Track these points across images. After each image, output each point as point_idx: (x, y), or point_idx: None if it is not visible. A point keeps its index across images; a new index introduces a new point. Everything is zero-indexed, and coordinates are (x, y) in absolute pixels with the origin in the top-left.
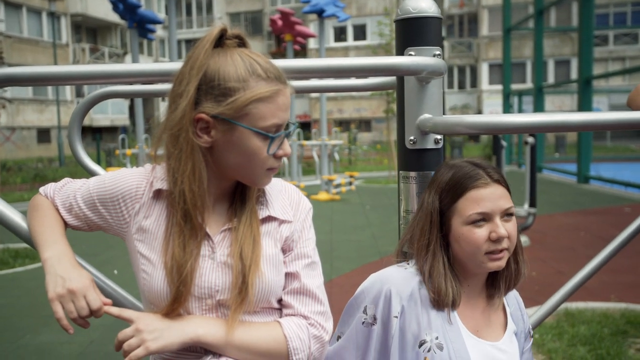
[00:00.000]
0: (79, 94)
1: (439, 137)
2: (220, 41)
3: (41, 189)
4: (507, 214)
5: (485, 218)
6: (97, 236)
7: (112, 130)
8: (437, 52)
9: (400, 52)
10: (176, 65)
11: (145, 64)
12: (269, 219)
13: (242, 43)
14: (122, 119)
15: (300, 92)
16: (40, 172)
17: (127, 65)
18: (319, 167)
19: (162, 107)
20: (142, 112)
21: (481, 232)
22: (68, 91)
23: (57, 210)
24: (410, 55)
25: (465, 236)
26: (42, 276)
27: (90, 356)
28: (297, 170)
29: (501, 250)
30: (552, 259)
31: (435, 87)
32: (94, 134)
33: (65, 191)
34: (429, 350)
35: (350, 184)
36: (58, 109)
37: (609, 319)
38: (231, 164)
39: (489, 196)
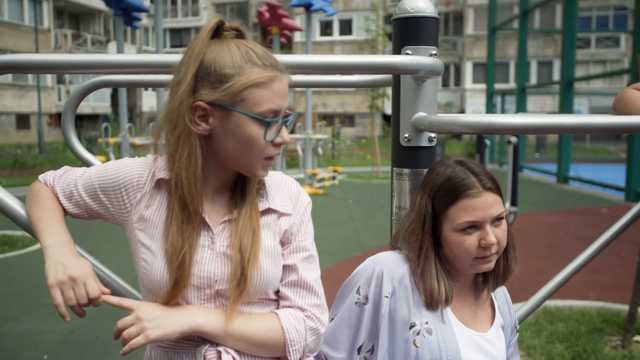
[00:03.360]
0: (60, 80)
1: (433, 135)
2: (218, 32)
3: (40, 177)
4: (497, 219)
5: (475, 226)
6: (78, 225)
7: (93, 118)
8: (434, 52)
9: (397, 50)
10: (178, 57)
11: (149, 55)
12: (269, 211)
13: (239, 35)
14: (104, 107)
15: (295, 86)
16: (20, 158)
17: (129, 56)
18: (303, 161)
19: (145, 96)
20: (126, 101)
21: (471, 240)
22: (49, 77)
23: (57, 197)
24: (408, 54)
25: (455, 242)
26: (22, 264)
27: (71, 344)
28: (281, 164)
29: (490, 255)
30: (532, 257)
31: (431, 86)
32: (75, 122)
33: (65, 179)
34: (418, 334)
35: (333, 178)
36: (39, 95)
37: (586, 317)
38: (229, 152)
39: (480, 205)
